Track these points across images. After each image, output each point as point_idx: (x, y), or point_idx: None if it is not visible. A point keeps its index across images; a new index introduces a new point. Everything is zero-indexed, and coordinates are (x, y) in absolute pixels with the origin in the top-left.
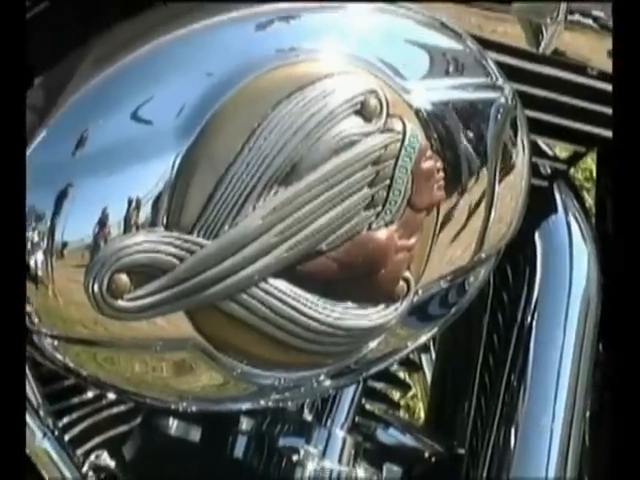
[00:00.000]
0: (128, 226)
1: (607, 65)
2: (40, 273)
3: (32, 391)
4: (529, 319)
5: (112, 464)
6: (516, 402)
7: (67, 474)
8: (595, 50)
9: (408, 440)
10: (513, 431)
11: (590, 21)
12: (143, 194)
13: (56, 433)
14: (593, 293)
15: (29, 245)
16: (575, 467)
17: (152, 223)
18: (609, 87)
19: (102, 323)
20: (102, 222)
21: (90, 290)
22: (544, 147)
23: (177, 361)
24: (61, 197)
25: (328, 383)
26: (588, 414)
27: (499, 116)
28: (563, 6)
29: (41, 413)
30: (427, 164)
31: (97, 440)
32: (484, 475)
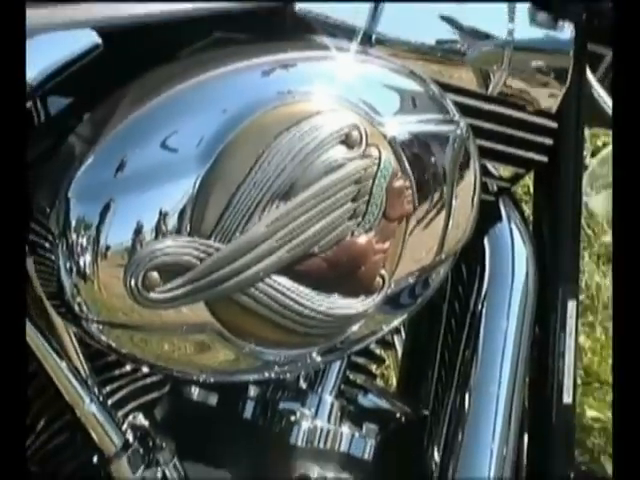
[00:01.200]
0: (158, 233)
1: (543, 104)
2: (88, 271)
3: (81, 365)
4: (479, 307)
5: (146, 424)
6: (469, 373)
7: (110, 432)
8: (533, 92)
9: (383, 403)
10: (467, 396)
11: (530, 68)
12: (170, 207)
13: (101, 399)
14: (531, 286)
15: (79, 248)
16: (517, 424)
17: (178, 231)
18: (544, 121)
19: (138, 311)
20: (137, 230)
21: (128, 284)
22: (491, 169)
23: (198, 341)
24: (105, 210)
25: (319, 359)
26: (527, 381)
27: (455, 145)
28: (507, 57)
29: (89, 383)
30: (398, 183)
31: (133, 404)
32: (444, 431)
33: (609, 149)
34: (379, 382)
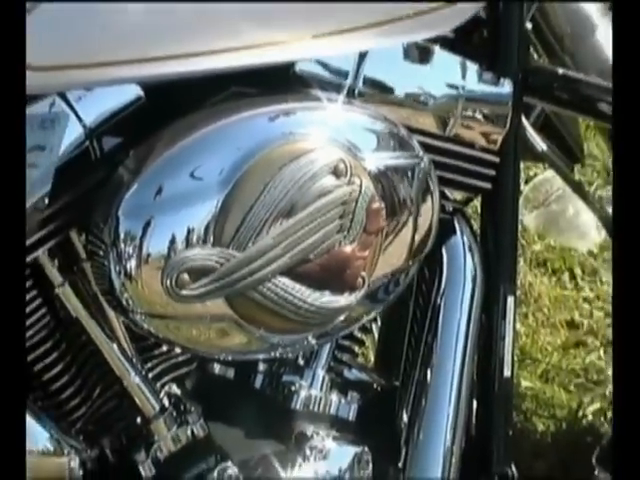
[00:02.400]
0: (188, 244)
1: (488, 143)
2: (133, 273)
3: (128, 347)
4: (439, 301)
5: (178, 392)
6: (430, 353)
7: (150, 398)
8: (480, 133)
9: (363, 376)
10: (429, 371)
11: (478, 115)
12: (197, 224)
13: (143, 373)
14: (479, 285)
15: (126, 255)
16: (468, 393)
17: (203, 242)
18: (489, 156)
19: (172, 305)
20: (172, 241)
21: (164, 284)
22: (448, 194)
23: (218, 328)
24: (146, 225)
25: (314, 342)
26: (476, 359)
27: (420, 175)
28: (460, 106)
29: (134, 360)
30: (375, 205)
31: (168, 377)
32: (410, 398)
33: (538, 178)
34: (360, 360)
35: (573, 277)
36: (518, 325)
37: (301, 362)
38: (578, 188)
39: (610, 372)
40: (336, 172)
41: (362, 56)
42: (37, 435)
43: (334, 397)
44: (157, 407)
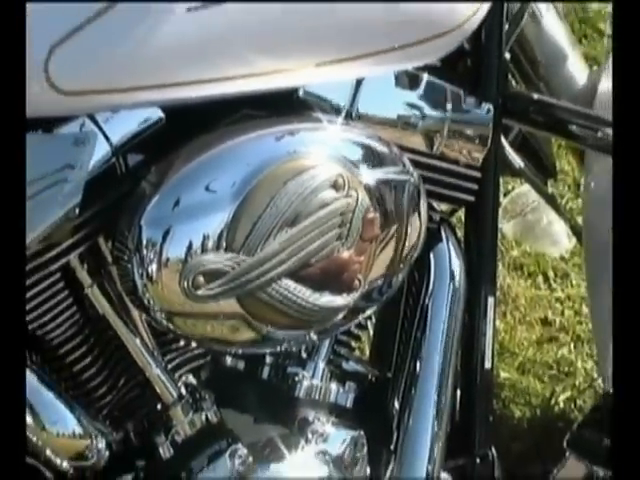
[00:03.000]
0: (203, 250)
1: (471, 160)
2: (154, 276)
3: (150, 341)
4: (427, 301)
5: (194, 382)
6: (419, 347)
7: (169, 387)
8: (464, 152)
9: (359, 368)
10: (418, 364)
11: (462, 135)
12: (212, 232)
13: (163, 365)
14: (462, 287)
15: (148, 260)
16: (452, 382)
17: (217, 248)
18: (472, 172)
19: (189, 304)
20: (189, 247)
21: (182, 285)
22: (435, 205)
23: (230, 325)
24: (166, 233)
25: (315, 337)
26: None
27: (410, 189)
28: (446, 128)
29: (155, 353)
30: (370, 215)
31: (185, 368)
32: (401, 388)
33: (516, 191)
34: (357, 353)
35: (546, 280)
36: (497, 322)
37: (304, 355)
38: (551, 200)
39: (580, 364)
40: (335, 186)
41: (358, 82)
42: (68, 420)
43: (333, 386)
44: (175, 395)
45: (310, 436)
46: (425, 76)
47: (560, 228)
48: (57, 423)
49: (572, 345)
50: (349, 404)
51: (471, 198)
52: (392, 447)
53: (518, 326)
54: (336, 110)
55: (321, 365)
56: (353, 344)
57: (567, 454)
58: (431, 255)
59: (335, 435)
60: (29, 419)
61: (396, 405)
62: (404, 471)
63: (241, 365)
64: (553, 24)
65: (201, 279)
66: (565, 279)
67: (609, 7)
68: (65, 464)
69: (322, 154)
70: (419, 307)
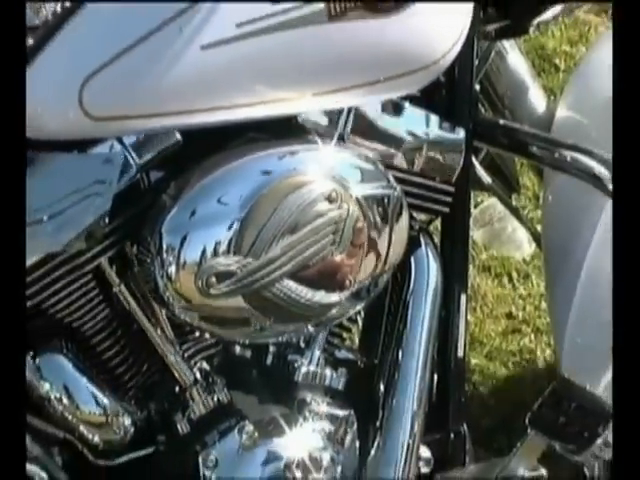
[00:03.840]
0: (215, 254)
1: (446, 177)
2: (173, 276)
3: (169, 332)
4: (408, 298)
5: (207, 368)
6: (401, 338)
7: (186, 373)
8: (440, 169)
9: (350, 356)
10: (400, 352)
11: (439, 155)
12: (222, 239)
13: (180, 353)
14: (439, 286)
15: (167, 262)
16: (430, 369)
17: (227, 252)
18: (446, 187)
19: (203, 300)
20: (203, 252)
21: (197, 285)
22: (415, 215)
23: (239, 319)
24: (183, 240)
25: (312, 329)
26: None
27: (393, 201)
28: (425, 148)
29: (173, 343)
30: (359, 224)
31: (200, 356)
32: (386, 373)
33: (484, 203)
34: (348, 343)
35: (511, 279)
36: (469, 316)
37: (302, 345)
38: (514, 211)
39: (539, 353)
40: (329, 199)
41: (350, 110)
42: (99, 400)
43: (327, 372)
44: (191, 379)
45: (307, 415)
46: (407, 104)
47: (522, 235)
48: (89, 403)
49: (533, 336)
50: (341, 387)
51: (446, 209)
52: (378, 424)
53: (486, 319)
54: (330, 134)
55: (317, 353)
56: (344, 335)
57: (529, 430)
58: (412, 259)
59: (329, 414)
60: (66, 400)
61: (381, 388)
62: (388, 445)
63: (248, 353)
64: (516, 60)
65: (213, 279)
66: (527, 279)
67: (564, 45)
68: (96, 438)
69: (318, 172)
70: (401, 303)
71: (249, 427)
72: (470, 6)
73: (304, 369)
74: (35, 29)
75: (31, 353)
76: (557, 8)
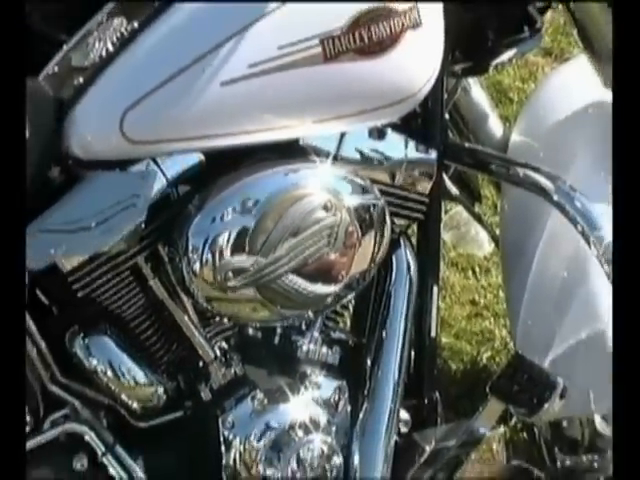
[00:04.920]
0: (232, 253)
1: (421, 189)
2: (197, 272)
3: (195, 317)
4: (390, 289)
5: (226, 347)
6: (385, 321)
7: (208, 350)
8: (416, 183)
9: (343, 336)
10: (384, 332)
11: (416, 171)
12: (238, 241)
13: (204, 334)
14: (415, 279)
15: (193, 260)
16: (407, 347)
17: (241, 252)
18: (421, 197)
19: (222, 291)
20: (221, 252)
21: (217, 278)
22: (395, 221)
23: (251, 306)
24: (205, 242)
25: (311, 315)
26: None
27: (378, 210)
28: (404, 165)
29: (197, 326)
30: (350, 229)
31: (220, 337)
32: (372, 350)
33: (453, 211)
34: (341, 325)
35: (474, 273)
36: (440, 303)
37: (303, 327)
38: (477, 217)
39: (497, 333)
40: (325, 208)
41: (342, 134)
42: (137, 373)
43: (324, 349)
44: (212, 356)
45: (308, 385)
46: (389, 130)
47: (483, 236)
48: (129, 375)
49: (492, 319)
50: (335, 362)
51: (421, 216)
52: (365, 392)
53: (454, 305)
54: (326, 154)
55: (315, 334)
56: (338, 319)
57: (489, 396)
58: (393, 257)
59: (325, 384)
60: (110, 373)
61: (368, 362)
62: (374, 409)
63: (259, 334)
64: (478, 94)
65: (230, 274)
66: (487, 272)
67: (517, 82)
68: (135, 404)
69: (316, 186)
70: (384, 293)
71: (260, 395)
72: (441, 50)
73: (305, 347)
74: (85, 69)
75: (82, 334)
76: (511, 52)
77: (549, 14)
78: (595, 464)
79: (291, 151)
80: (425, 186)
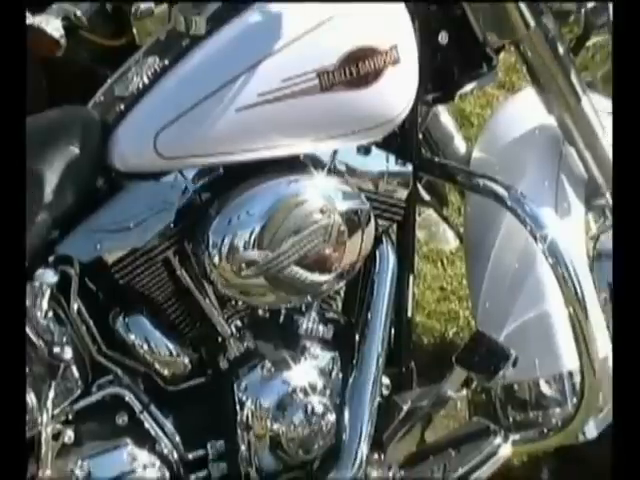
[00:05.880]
0: (245, 248)
1: (399, 196)
2: (217, 264)
3: (214, 301)
4: (374, 277)
5: (240, 325)
6: (370, 304)
7: (226, 328)
8: (396, 191)
9: (335, 316)
10: (369, 313)
11: (395, 183)
12: (250, 238)
13: (222, 315)
14: (394, 272)
15: (213, 254)
16: (387, 328)
17: (252, 247)
18: (400, 202)
19: (237, 280)
20: (236, 247)
21: (232, 269)
22: (378, 222)
23: (260, 292)
24: (223, 239)
25: (310, 299)
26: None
27: (364, 213)
28: (385, 176)
29: (216, 308)
30: (342, 228)
31: (235, 317)
32: (360, 328)
33: (425, 213)
34: (334, 307)
35: (443, 264)
36: (415, 289)
37: (304, 309)
38: (445, 219)
39: (462, 313)
40: (321, 211)
41: (335, 151)
42: (167, 346)
43: (320, 327)
44: (229, 332)
45: (307, 356)
46: (373, 147)
47: (450, 235)
48: (161, 348)
49: (457, 302)
50: (329, 337)
51: (400, 218)
52: (354, 362)
53: (426, 291)
54: (322, 167)
55: (313, 315)
56: (332, 302)
57: (455, 366)
58: (377, 251)
59: (321, 356)
60: (145, 346)
61: (357, 337)
62: (361, 375)
63: (267, 315)
64: (445, 118)
65: (243, 265)
66: (453, 264)
67: (477, 109)
68: (165, 371)
69: (314, 193)
70: (370, 281)
71: (268, 364)
72: (415, 83)
73: (304, 325)
74: (125, 98)
75: (122, 314)
76: (472, 84)
77: (503, 54)
78: (539, 419)
79: (293, 165)
80: (403, 193)
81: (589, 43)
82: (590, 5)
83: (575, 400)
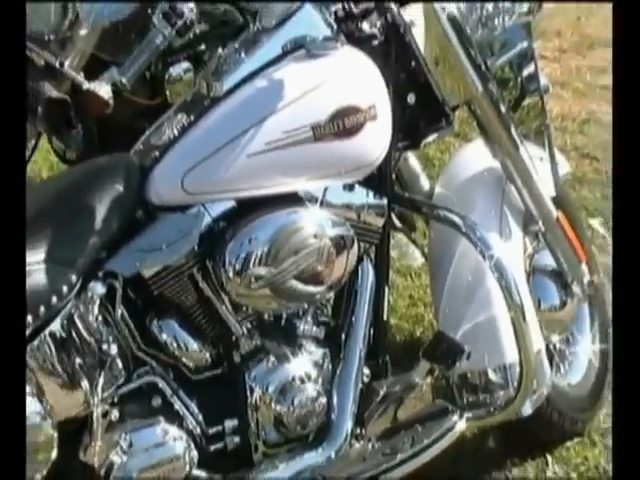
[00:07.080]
0: (254, 265)
1: (376, 224)
2: (231, 277)
3: (229, 307)
4: (357, 288)
5: (249, 326)
6: (353, 309)
7: (237, 327)
8: (374, 220)
9: (326, 319)
10: (353, 317)
11: (372, 213)
12: (258, 258)
13: (235, 318)
14: (373, 282)
15: (229, 270)
16: (369, 324)
17: (260, 264)
18: (378, 229)
19: (247, 291)
20: (247, 265)
21: (244, 282)
22: (360, 244)
23: (266, 300)
24: (237, 259)
25: (306, 305)
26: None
27: (349, 238)
28: (365, 209)
29: (231, 313)
30: (331, 250)
31: (246, 320)
32: (345, 327)
33: (397, 237)
34: (325, 311)
35: (411, 277)
36: (389, 297)
37: (301, 314)
38: (413, 241)
39: (426, 316)
40: (315, 237)
41: (326, 188)
42: (190, 343)
43: (314, 328)
44: (241, 332)
45: (303, 351)
46: (356, 185)
47: (417, 254)
48: (186, 343)
49: (423, 307)
50: (321, 336)
51: (377, 241)
52: (341, 356)
53: (398, 299)
54: (315, 201)
55: (309, 318)
56: (323, 309)
57: (421, 359)
58: (359, 268)
59: (315, 351)
60: (175, 344)
61: (343, 337)
62: (347, 367)
63: (271, 319)
64: (413, 162)
65: (253, 279)
66: (419, 277)
67: (438, 153)
68: (191, 364)
69: (309, 222)
70: (353, 291)
71: (272, 358)
72: (390, 134)
73: (302, 327)
74: (159, 147)
75: (157, 318)
76: (434, 135)
77: (458, 111)
78: (488, 400)
79: (292, 199)
80: (379, 221)
81: (524, 103)
82: (525, 74)
83: (515, 385)
